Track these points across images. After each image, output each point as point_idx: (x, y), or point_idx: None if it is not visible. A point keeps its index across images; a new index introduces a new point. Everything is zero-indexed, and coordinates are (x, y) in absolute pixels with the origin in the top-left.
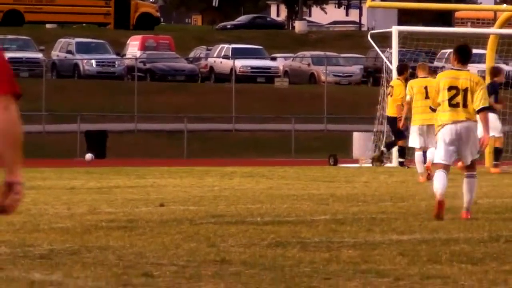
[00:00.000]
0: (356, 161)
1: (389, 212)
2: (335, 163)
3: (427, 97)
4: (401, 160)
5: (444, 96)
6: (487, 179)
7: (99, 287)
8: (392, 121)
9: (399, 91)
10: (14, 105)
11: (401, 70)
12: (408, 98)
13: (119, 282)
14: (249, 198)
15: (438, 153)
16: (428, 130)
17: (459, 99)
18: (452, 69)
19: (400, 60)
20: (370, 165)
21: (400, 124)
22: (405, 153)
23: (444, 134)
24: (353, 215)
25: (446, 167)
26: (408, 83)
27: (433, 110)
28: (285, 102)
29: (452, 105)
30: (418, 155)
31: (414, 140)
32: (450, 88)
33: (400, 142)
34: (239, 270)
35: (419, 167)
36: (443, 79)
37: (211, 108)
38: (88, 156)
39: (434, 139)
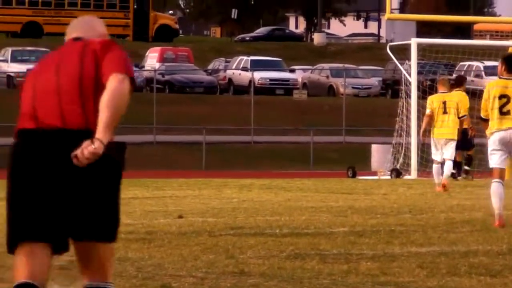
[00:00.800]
0: (375, 173)
1: (408, 224)
2: (354, 175)
3: (445, 112)
4: (466, 168)
5: (495, 104)
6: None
7: None
8: (463, 132)
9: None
10: (129, 83)
11: (460, 81)
12: (428, 111)
13: None
14: (268, 210)
15: (491, 159)
16: (445, 144)
17: (510, 106)
18: (500, 78)
19: (419, 73)
20: (389, 177)
21: (421, 137)
22: (471, 163)
23: (494, 141)
24: (372, 227)
25: (501, 173)
26: (429, 98)
27: (484, 120)
28: (303, 114)
29: (503, 113)
30: (436, 167)
31: (434, 153)
32: (501, 97)
33: (469, 152)
34: (258, 282)
35: (436, 178)
36: (493, 88)
37: (229, 120)
38: None
39: (451, 152)
